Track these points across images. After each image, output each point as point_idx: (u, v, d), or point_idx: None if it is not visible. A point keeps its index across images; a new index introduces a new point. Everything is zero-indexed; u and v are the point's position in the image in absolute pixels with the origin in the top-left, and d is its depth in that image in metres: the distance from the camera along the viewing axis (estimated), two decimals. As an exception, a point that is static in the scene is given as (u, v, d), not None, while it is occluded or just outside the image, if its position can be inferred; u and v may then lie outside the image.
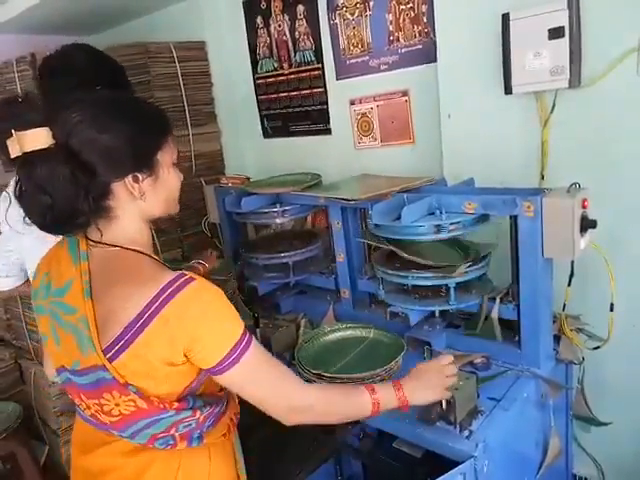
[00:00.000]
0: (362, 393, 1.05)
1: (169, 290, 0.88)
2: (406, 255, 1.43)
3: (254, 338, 0.97)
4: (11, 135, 0.87)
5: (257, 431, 1.70)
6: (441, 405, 1.15)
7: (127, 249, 0.96)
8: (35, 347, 2.36)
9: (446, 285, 1.43)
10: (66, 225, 0.93)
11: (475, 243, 1.55)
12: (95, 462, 1.04)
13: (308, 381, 1.39)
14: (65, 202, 0.88)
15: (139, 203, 0.97)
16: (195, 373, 0.98)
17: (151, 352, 0.89)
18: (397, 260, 1.52)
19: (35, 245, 1.21)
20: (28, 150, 0.86)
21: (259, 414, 1.63)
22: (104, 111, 0.93)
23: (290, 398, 1.00)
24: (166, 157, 1.00)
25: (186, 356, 0.92)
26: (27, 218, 0.91)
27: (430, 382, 1.11)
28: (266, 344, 1.57)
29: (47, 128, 0.87)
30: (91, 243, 0.97)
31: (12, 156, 0.88)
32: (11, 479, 2.22)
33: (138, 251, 0.97)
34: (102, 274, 0.95)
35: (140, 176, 0.95)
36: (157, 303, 0.87)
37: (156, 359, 0.90)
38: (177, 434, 0.99)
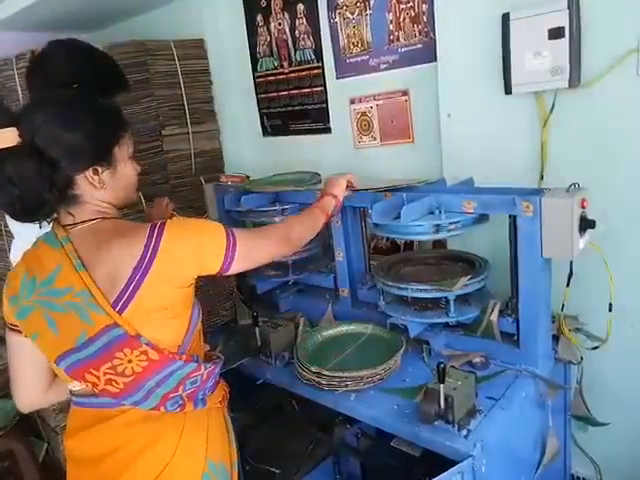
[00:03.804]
0: (316, 213, 1.38)
1: (156, 231, 1.02)
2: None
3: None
4: None
5: (256, 430, 1.71)
6: (439, 404, 1.15)
7: (106, 218, 1.08)
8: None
9: (446, 297, 1.44)
10: (34, 213, 1.04)
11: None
12: (97, 443, 1.08)
13: (308, 380, 1.40)
14: (32, 193, 0.98)
15: (101, 192, 1.07)
16: (190, 304, 1.11)
17: (164, 280, 1.01)
18: (397, 270, 1.53)
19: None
20: None
21: (257, 413, 1.63)
22: (65, 110, 1.03)
23: (281, 234, 1.24)
24: (123, 152, 1.11)
25: (199, 271, 1.06)
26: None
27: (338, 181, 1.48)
28: (265, 343, 1.58)
29: (14, 128, 0.97)
30: (68, 227, 1.06)
31: None
32: (9, 476, 2.22)
33: (115, 217, 1.10)
34: (89, 246, 1.04)
35: (100, 169, 1.05)
36: (153, 243, 1.00)
37: (169, 284, 1.02)
38: (184, 394, 1.08)
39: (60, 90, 1.07)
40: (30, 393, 1.17)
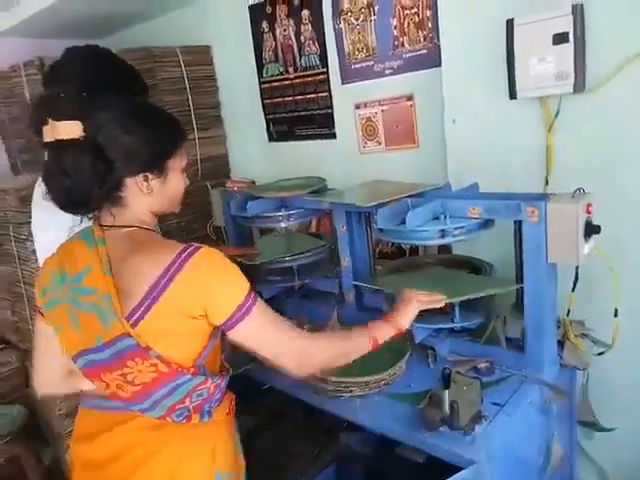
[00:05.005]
0: (362, 335, 1.22)
1: (184, 254, 1.00)
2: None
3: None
4: (47, 123, 1.00)
5: (260, 435, 1.71)
6: (444, 410, 1.14)
7: (141, 228, 1.09)
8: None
9: (451, 303, 1.43)
10: (80, 207, 1.06)
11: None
12: (106, 446, 1.09)
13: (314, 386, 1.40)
14: (82, 187, 1.01)
15: (147, 198, 1.09)
16: (208, 334, 1.07)
17: (175, 306, 0.99)
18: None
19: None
20: (60, 138, 0.99)
21: (262, 419, 1.63)
22: (131, 114, 1.06)
23: (301, 346, 1.12)
24: (176, 163, 1.12)
25: (204, 311, 1.01)
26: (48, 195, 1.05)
27: (410, 307, 1.29)
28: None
29: (79, 122, 0.99)
30: (105, 227, 1.08)
31: (45, 141, 1.02)
32: (16, 481, 2.23)
33: (150, 229, 1.11)
34: (119, 252, 1.04)
35: (150, 176, 1.07)
36: (176, 265, 0.99)
37: (180, 312, 1.00)
38: (191, 405, 1.08)
39: (127, 95, 1.10)
40: (48, 376, 1.19)
